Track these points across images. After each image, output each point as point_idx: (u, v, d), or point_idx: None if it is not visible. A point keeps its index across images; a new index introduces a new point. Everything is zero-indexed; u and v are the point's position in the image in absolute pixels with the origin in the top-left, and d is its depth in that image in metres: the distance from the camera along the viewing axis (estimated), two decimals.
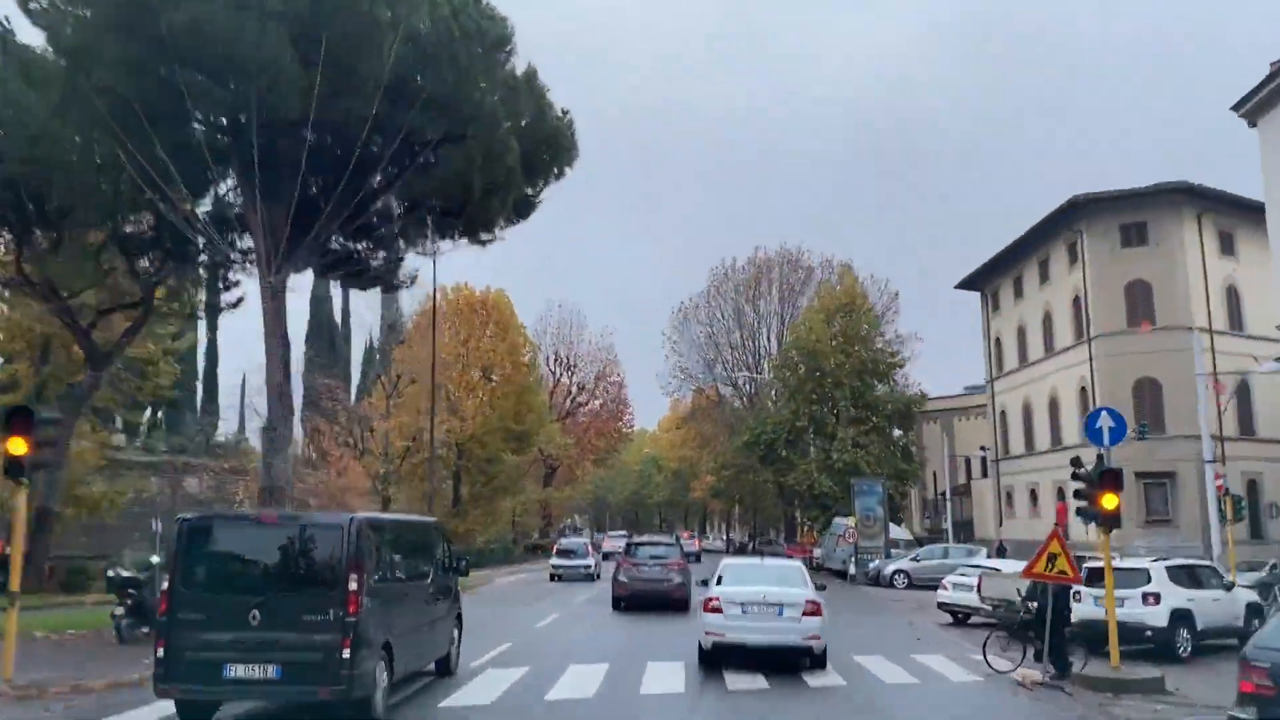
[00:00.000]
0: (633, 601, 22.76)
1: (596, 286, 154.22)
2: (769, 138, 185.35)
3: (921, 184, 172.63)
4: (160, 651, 9.25)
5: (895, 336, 46.34)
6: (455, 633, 13.60)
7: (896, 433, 45.89)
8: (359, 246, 22.84)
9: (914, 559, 35.15)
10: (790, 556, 26.60)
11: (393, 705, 10.66)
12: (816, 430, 45.41)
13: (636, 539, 29.75)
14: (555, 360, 76.13)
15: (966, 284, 51.67)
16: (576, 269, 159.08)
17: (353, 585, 9.39)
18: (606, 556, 45.04)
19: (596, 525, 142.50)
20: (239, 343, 76.46)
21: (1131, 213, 38.21)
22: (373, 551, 10.13)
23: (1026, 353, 46.18)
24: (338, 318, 69.52)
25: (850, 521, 40.41)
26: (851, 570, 38.19)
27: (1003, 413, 49.08)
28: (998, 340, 49.85)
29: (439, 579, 12.91)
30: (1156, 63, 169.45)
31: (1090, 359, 38.65)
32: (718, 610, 13.80)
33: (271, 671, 9.18)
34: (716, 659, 13.84)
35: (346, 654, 9.19)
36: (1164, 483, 36.14)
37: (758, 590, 13.92)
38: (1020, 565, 17.93)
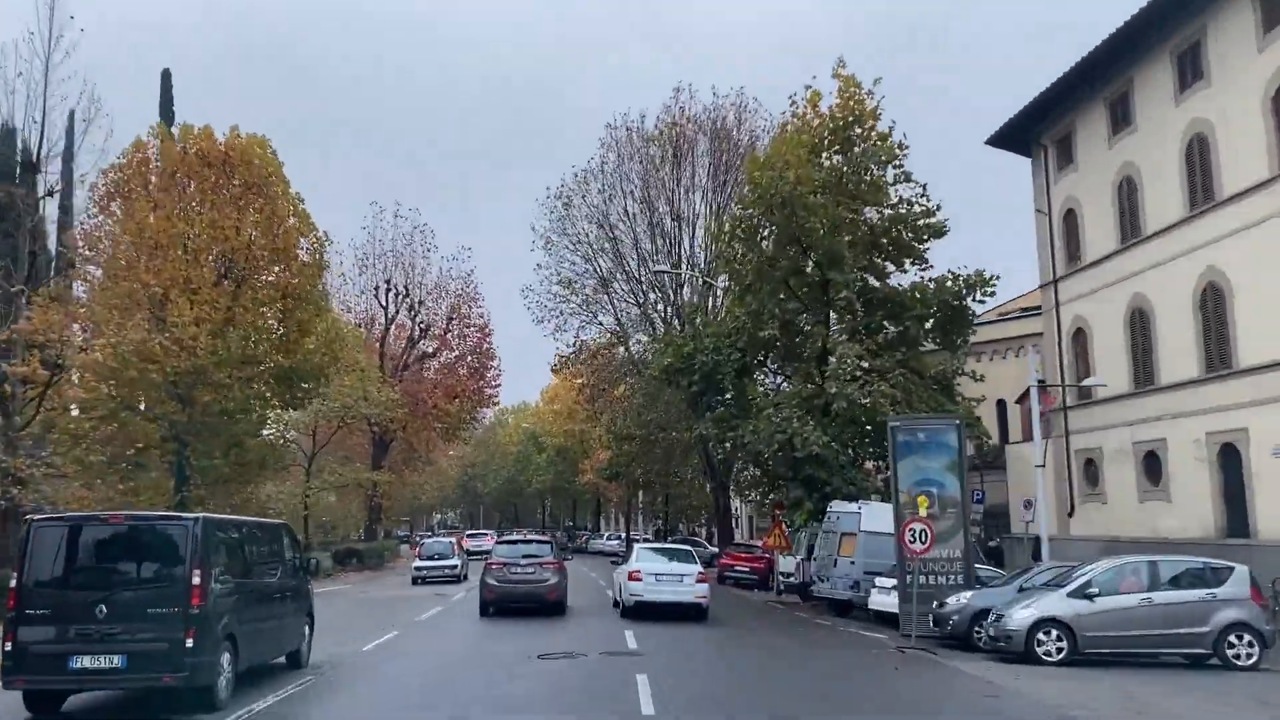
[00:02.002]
0: (502, 606, 21.47)
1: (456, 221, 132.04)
2: None
3: None
4: (8, 645, 9.99)
5: (922, 193, 26.31)
6: (306, 629, 14.35)
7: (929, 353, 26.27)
8: None
9: (1081, 591, 15.17)
10: (729, 566, 29.49)
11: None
12: (794, 346, 25.53)
13: (507, 536, 30.45)
14: (388, 291, 54.40)
15: (1006, 139, 32.68)
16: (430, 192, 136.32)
17: (196, 580, 10.25)
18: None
19: (470, 521, 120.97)
20: None
21: None
22: (218, 549, 11.04)
23: (1140, 219, 27.31)
24: None
25: (876, 510, 20.79)
26: (880, 604, 18.89)
27: (1077, 331, 30.19)
28: (1067, 217, 30.96)
29: (288, 578, 13.67)
30: None
31: None
32: (639, 579, 21.10)
33: (117, 661, 9.94)
34: (635, 612, 20.84)
35: (190, 644, 10.03)
36: None
37: (667, 565, 21.75)
38: None
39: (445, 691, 12.11)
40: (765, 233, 25.10)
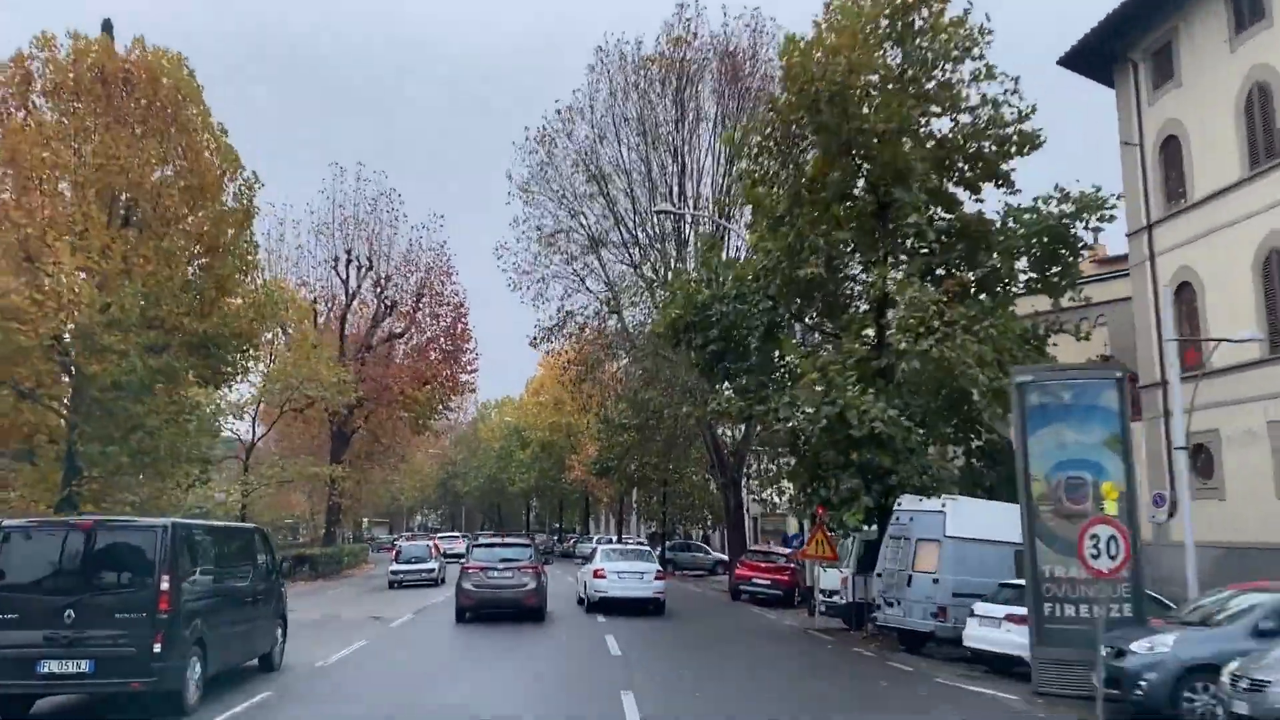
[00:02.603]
0: (480, 612, 20.87)
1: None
2: None
3: None
4: None
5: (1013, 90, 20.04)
6: (279, 632, 14.34)
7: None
8: None
9: None
10: (745, 578, 27.13)
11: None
12: (839, 294, 19.52)
13: (483, 539, 28.71)
14: (348, 263, 48.13)
15: (1080, 59, 26.72)
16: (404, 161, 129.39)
17: (165, 585, 10.25)
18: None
19: (451, 523, 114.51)
20: None
21: None
22: (187, 553, 11.02)
23: (1278, 137, 21.40)
24: None
25: (967, 509, 14.83)
26: (983, 640, 13.27)
27: (1181, 286, 24.20)
28: (1166, 146, 25.01)
29: (260, 582, 13.62)
30: None
31: None
32: (603, 576, 23.28)
33: (85, 666, 9.94)
34: (599, 607, 22.81)
35: (158, 648, 10.05)
36: None
37: (629, 564, 23.83)
38: None
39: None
40: (804, 141, 18.97)
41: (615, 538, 58.17)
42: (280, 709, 11.30)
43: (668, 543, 45.52)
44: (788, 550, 28.47)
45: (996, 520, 16.19)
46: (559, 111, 32.18)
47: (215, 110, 28.02)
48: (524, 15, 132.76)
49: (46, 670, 9.90)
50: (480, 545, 23.66)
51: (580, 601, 24.51)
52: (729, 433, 34.06)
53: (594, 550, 28.52)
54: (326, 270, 47.71)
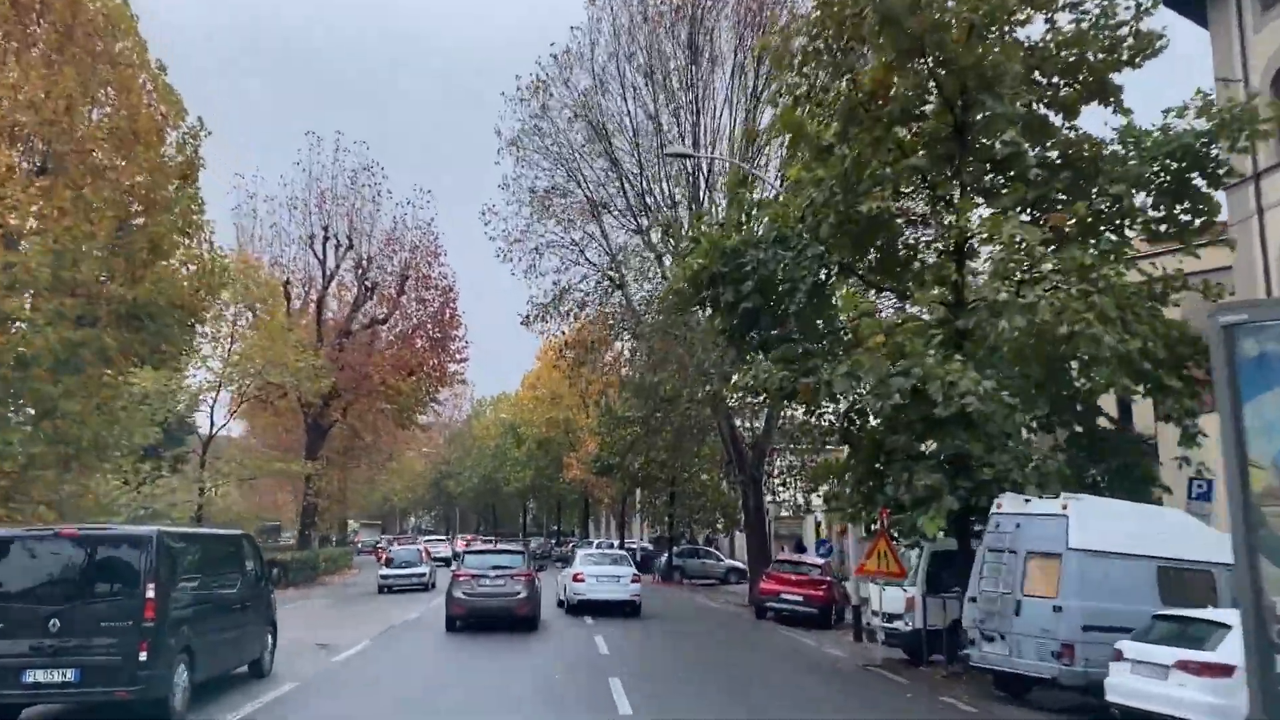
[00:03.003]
0: (471, 621, 19.96)
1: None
2: None
3: None
4: None
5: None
6: (269, 638, 14.31)
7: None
8: None
9: None
10: (772, 594, 23.49)
11: None
12: (896, 243, 15.49)
13: (474, 546, 30.48)
14: (325, 241, 44.07)
15: None
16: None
17: (150, 593, 10.17)
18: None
19: (446, 526, 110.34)
20: None
21: None
22: (174, 561, 11.00)
23: None
24: None
25: (1098, 511, 10.84)
26: (1144, 698, 9.37)
27: None
28: (1277, 80, 20.91)
29: (248, 588, 13.55)
30: None
31: None
32: (582, 580, 24.37)
33: (70, 675, 9.88)
34: (578, 609, 23.80)
35: (144, 657, 9.99)
36: None
37: (607, 568, 25.27)
38: None
39: None
40: (861, 45, 14.90)
41: (617, 541, 54.12)
42: None
43: (675, 548, 41.39)
44: (821, 560, 24.35)
45: (1136, 527, 12.12)
46: (555, 56, 28.06)
47: (210, 104, 24.07)
48: (518, 9, 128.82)
49: (32, 680, 9.89)
50: (472, 552, 23.29)
51: (560, 604, 25.44)
52: (748, 425, 30.04)
53: (573, 555, 30.34)
54: (302, 249, 43.64)
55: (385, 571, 34.93)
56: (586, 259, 29.32)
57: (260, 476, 37.20)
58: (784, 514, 42.33)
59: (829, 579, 23.62)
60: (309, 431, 44.13)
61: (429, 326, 46.12)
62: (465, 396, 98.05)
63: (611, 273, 29.38)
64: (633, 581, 24.17)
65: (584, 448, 49.40)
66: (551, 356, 60.56)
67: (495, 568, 20.63)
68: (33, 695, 10.11)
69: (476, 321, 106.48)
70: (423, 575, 34.66)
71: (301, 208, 43.07)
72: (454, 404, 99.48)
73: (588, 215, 28.90)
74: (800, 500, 33.07)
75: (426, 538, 64.06)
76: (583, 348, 29.63)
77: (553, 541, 71.39)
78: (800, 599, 23.01)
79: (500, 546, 28.44)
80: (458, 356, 46.48)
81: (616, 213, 28.92)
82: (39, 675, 9.84)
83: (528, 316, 29.58)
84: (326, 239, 43.74)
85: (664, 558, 41.34)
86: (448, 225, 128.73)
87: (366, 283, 44.44)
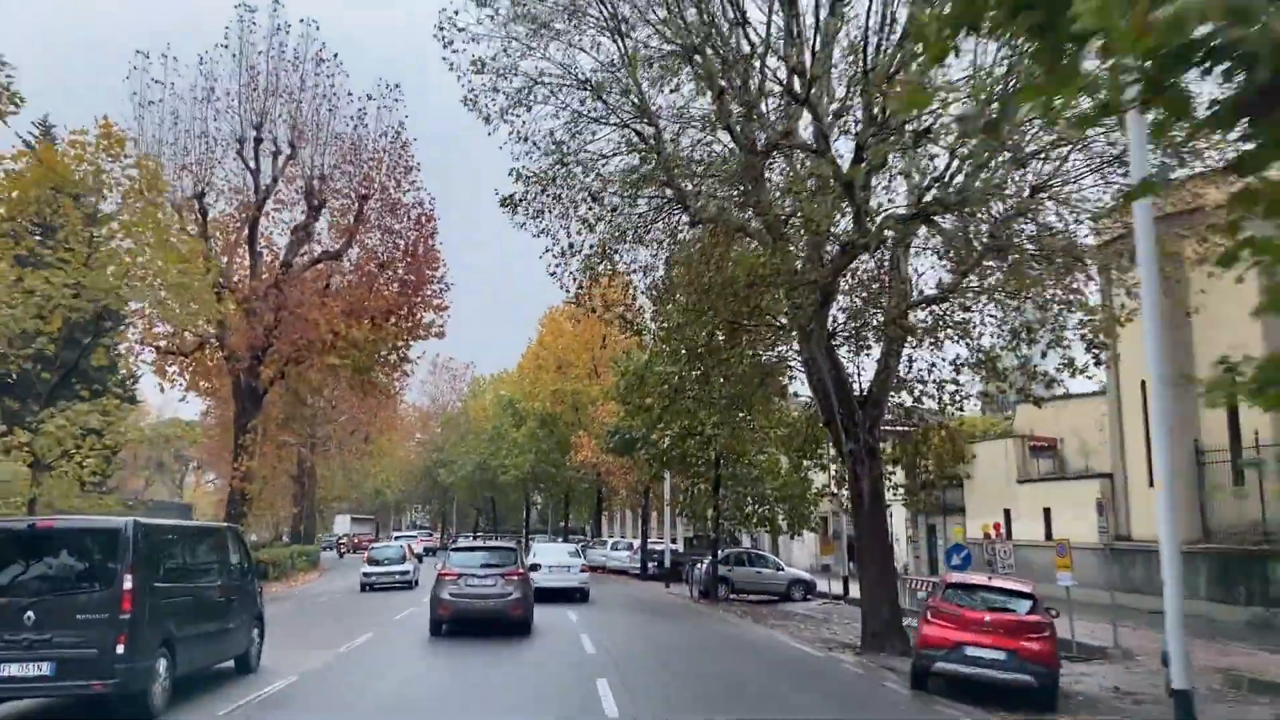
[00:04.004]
0: (459, 624, 18.45)
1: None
2: None
3: None
4: None
5: None
6: (255, 633, 14.11)
7: None
8: None
9: None
10: (952, 646, 12.83)
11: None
12: None
13: (461, 543, 29.32)
14: (257, 143, 33.61)
15: None
16: None
17: (128, 585, 10.00)
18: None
19: (442, 520, 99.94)
20: None
21: None
22: (154, 553, 10.84)
23: None
24: None
25: None
26: None
27: None
28: None
29: (232, 581, 13.36)
30: None
31: None
32: (537, 569, 25.93)
33: (45, 669, 9.71)
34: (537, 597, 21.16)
35: (121, 650, 9.81)
36: None
37: (561, 559, 28.07)
38: None
39: None
40: None
41: (639, 541, 43.42)
42: None
43: (722, 551, 30.58)
44: (1026, 590, 13.30)
45: None
46: None
47: None
48: None
49: (6, 674, 9.74)
50: (459, 549, 22.53)
51: None
52: (860, 363, 19.30)
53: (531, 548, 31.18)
54: (227, 153, 33.04)
55: (367, 569, 33.65)
56: (602, 100, 18.58)
57: (137, 444, 26.56)
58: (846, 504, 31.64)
59: (1048, 621, 12.87)
60: (237, 396, 33.67)
61: (398, 264, 35.56)
62: (463, 377, 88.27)
63: (641, 124, 18.68)
64: (582, 570, 27.68)
65: (598, 417, 38.80)
66: (563, 312, 50.15)
67: (485, 566, 19.09)
68: (6, 689, 9.93)
69: (473, 309, 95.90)
70: (406, 573, 33.57)
71: (225, 99, 32.58)
72: (452, 386, 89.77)
73: (607, 26, 18.17)
74: (917, 478, 22.47)
75: (400, 534, 55.04)
76: (599, 251, 18.84)
77: (560, 540, 60.81)
78: (1003, 656, 12.29)
79: (490, 543, 27.27)
80: (435, 303, 35.85)
81: (651, 28, 18.17)
82: (13, 669, 9.69)
83: (512, 198, 18.91)
84: (260, 142, 33.22)
85: (703, 566, 30.71)
86: (441, 221, 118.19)
87: (314, 201, 33.87)
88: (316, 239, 35.73)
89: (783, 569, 31.47)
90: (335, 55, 35.27)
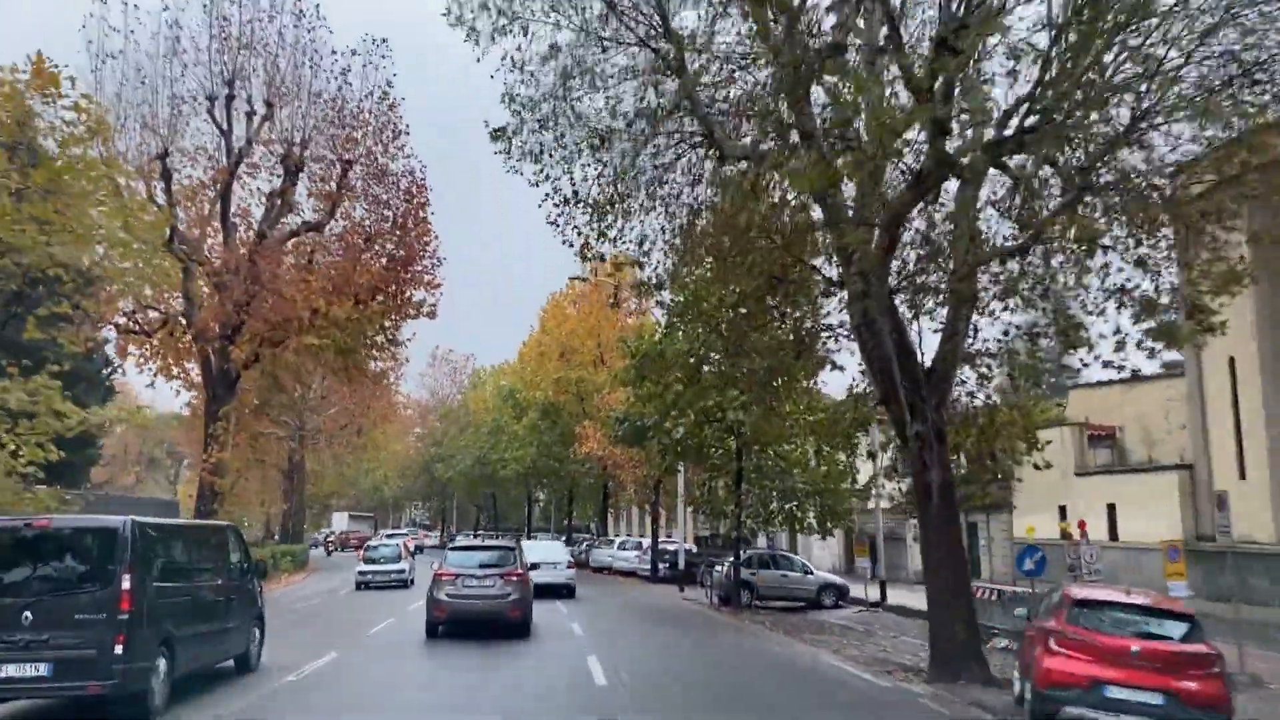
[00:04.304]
0: (456, 626, 17.72)
1: None
2: None
3: None
4: None
5: None
6: (256, 632, 14.01)
7: None
8: None
9: None
10: (1091, 681, 9.71)
11: None
12: None
13: (459, 541, 28.87)
14: (229, 101, 30.53)
15: None
16: None
17: (126, 584, 9.84)
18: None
19: (442, 519, 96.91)
20: None
21: None
22: (152, 552, 10.71)
23: None
24: None
25: None
26: None
27: None
28: None
29: (232, 580, 13.23)
30: None
31: None
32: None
33: (42, 669, 9.56)
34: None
35: (120, 650, 9.64)
36: None
37: (548, 556, 28.48)
38: None
39: None
40: None
41: (648, 540, 40.22)
42: None
43: (743, 551, 27.26)
44: (1182, 610, 9.99)
45: None
46: None
47: None
48: None
49: (3, 675, 9.60)
50: (457, 549, 21.20)
51: None
52: (918, 329, 16.08)
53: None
54: (198, 112, 29.85)
55: (363, 568, 33.39)
56: (613, 10, 15.39)
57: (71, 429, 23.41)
58: (879, 500, 28.41)
59: (1212, 648, 9.69)
60: (207, 380, 30.55)
61: (385, 238, 32.38)
62: (464, 370, 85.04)
63: (661, 43, 15.52)
64: (568, 566, 28.47)
65: (605, 405, 35.61)
66: (566, 296, 47.04)
67: (482, 566, 18.45)
68: (3, 690, 9.81)
69: (471, 300, 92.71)
70: (403, 572, 33.23)
71: (194, 52, 29.41)
72: (452, 378, 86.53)
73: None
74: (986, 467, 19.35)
75: (388, 533, 52.74)
76: (614, 180, 15.64)
77: (563, 539, 57.65)
78: (1160, 700, 9.15)
79: (488, 542, 26.32)
80: (426, 279, 32.65)
81: None
82: (10, 670, 9.56)
83: (502, 130, 15.75)
84: (232, 100, 30.05)
85: (722, 568, 27.55)
86: (434, 216, 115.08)
87: (291, 165, 30.68)
88: (297, 210, 32.65)
89: (811, 572, 28.22)
90: (317, 7, 32.06)
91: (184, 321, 29.50)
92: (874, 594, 27.79)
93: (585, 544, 49.62)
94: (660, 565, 36.58)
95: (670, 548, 38.10)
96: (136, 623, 9.85)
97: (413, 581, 32.32)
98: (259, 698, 11.75)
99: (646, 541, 40.98)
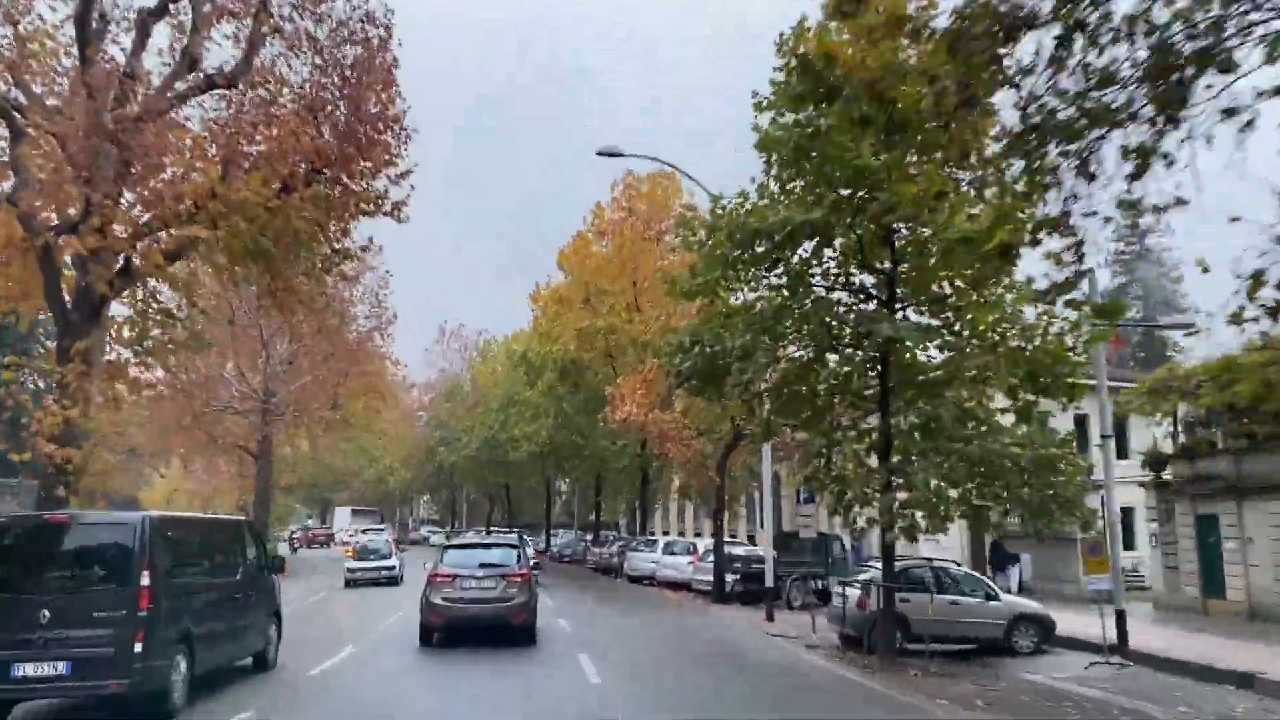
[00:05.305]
0: (453, 632, 16.52)
1: None
2: None
3: None
4: None
5: None
6: (273, 629, 14.01)
7: None
8: None
9: None
10: None
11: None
12: None
13: (457, 539, 24.15)
14: None
15: None
16: None
17: (145, 580, 9.82)
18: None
19: (450, 511, 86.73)
20: None
21: None
22: (168, 548, 10.56)
23: None
24: None
25: None
26: None
27: None
28: None
29: (249, 576, 13.19)
30: None
31: None
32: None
33: (61, 668, 9.48)
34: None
35: (139, 648, 9.61)
36: None
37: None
38: None
39: None
40: None
41: (711, 540, 29.45)
42: None
43: (895, 563, 16.35)
44: None
45: None
46: None
47: None
48: None
49: (21, 674, 9.50)
50: (453, 547, 19.30)
51: None
52: None
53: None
54: None
55: (351, 565, 33.19)
56: None
57: None
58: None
59: None
60: (53, 299, 20.19)
61: (340, 95, 21.78)
62: (475, 346, 74.70)
63: None
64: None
65: (648, 339, 24.94)
66: (593, 227, 36.63)
67: (484, 566, 17.05)
68: (22, 689, 9.69)
69: (471, 289, 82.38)
70: (393, 569, 33.19)
71: None
72: (462, 355, 76.13)
73: None
74: None
75: (367, 527, 49.06)
76: None
77: (587, 539, 46.99)
78: None
79: (488, 540, 22.54)
80: (390, 156, 21.99)
81: None
82: (28, 669, 9.46)
83: None
84: None
85: (850, 591, 16.96)
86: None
87: None
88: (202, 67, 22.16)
89: (995, 597, 17.44)
90: None
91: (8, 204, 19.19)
92: (1093, 628, 16.95)
93: (617, 545, 39.06)
94: (727, 577, 25.91)
95: (738, 551, 27.48)
96: (155, 620, 9.81)
97: (403, 578, 32.65)
98: (279, 696, 11.50)
99: (703, 542, 30.26)
